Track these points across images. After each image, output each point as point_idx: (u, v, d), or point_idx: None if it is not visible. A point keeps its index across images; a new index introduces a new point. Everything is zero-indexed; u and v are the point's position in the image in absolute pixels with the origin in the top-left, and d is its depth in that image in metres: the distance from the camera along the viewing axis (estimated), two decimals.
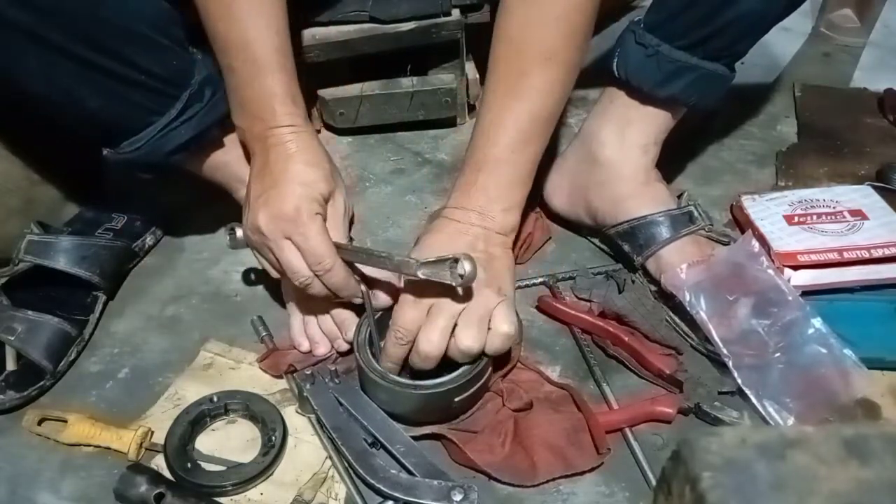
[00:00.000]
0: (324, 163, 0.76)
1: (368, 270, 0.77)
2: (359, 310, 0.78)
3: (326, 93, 1.09)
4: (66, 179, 0.91)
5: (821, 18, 1.42)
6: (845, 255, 0.85)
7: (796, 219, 0.89)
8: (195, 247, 0.96)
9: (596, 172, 0.89)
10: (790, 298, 0.78)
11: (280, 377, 0.79)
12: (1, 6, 0.63)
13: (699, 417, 0.76)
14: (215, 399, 0.75)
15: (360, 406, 0.74)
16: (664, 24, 0.81)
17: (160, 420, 0.75)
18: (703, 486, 0.36)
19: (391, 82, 1.09)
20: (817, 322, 0.77)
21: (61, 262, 0.81)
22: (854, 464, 0.36)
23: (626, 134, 0.86)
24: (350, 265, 0.74)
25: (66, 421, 0.74)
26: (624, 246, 0.87)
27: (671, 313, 0.83)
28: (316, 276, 0.72)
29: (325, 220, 0.74)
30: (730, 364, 0.77)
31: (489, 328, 0.71)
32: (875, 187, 0.95)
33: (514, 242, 0.90)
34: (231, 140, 0.82)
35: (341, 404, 0.74)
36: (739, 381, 0.76)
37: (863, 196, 0.93)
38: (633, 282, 0.86)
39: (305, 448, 0.74)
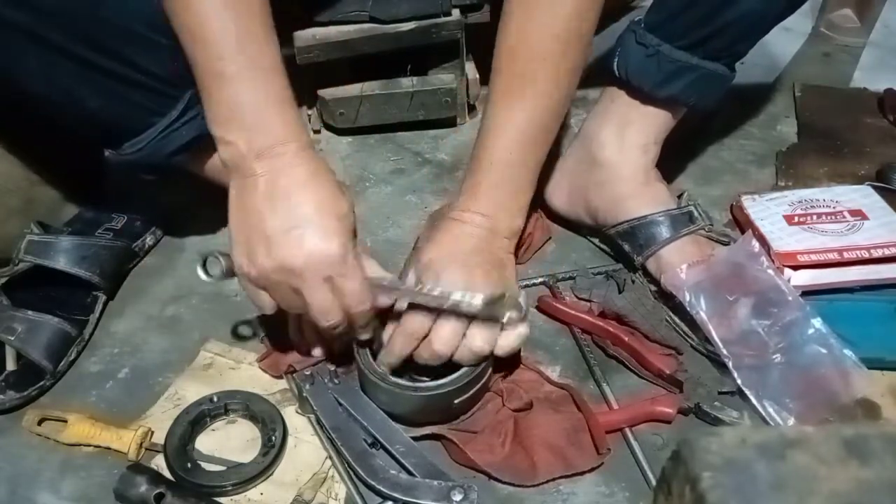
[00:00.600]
0: (342, 185, 0.71)
1: (373, 270, 0.77)
2: None
3: (326, 93, 1.09)
4: (66, 179, 0.91)
5: (821, 18, 1.42)
6: (845, 255, 0.85)
7: (796, 219, 0.89)
8: (195, 247, 0.96)
9: (596, 172, 0.89)
10: (790, 299, 0.78)
11: (280, 377, 0.79)
12: (0, 6, 0.63)
13: (699, 417, 0.76)
14: (215, 399, 0.75)
15: (359, 406, 0.74)
16: (664, 23, 0.81)
17: (160, 420, 0.75)
18: (703, 486, 0.36)
19: (391, 82, 1.10)
20: (817, 322, 0.76)
21: (61, 262, 0.81)
22: (854, 464, 0.36)
23: (627, 134, 0.86)
24: None
25: (66, 421, 0.74)
26: (624, 246, 0.87)
27: (671, 313, 0.83)
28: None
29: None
30: (730, 364, 0.77)
31: (503, 328, 0.72)
32: (875, 187, 0.95)
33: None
34: None
35: (341, 404, 0.74)
36: (739, 381, 0.76)
37: (863, 196, 0.93)
38: (633, 282, 0.86)
39: (305, 448, 0.74)
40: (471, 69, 1.12)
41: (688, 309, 0.80)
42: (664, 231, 0.85)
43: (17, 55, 0.67)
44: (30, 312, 0.79)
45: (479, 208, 0.75)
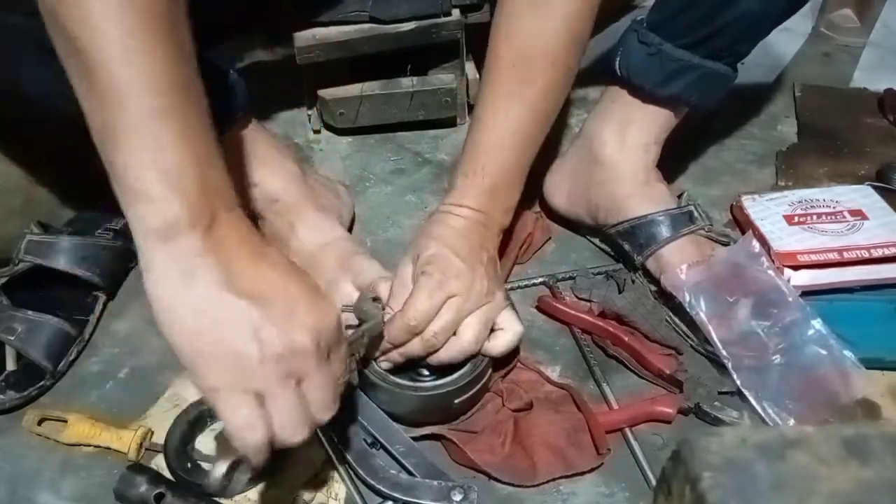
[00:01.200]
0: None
1: (375, 270, 0.78)
2: None
3: (326, 93, 1.09)
4: (67, 179, 0.91)
5: (821, 18, 1.42)
6: (845, 255, 0.85)
7: (796, 219, 0.89)
8: None
9: (597, 172, 0.89)
10: (790, 299, 0.78)
11: None
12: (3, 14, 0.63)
13: (699, 417, 0.76)
14: None
15: (360, 406, 0.74)
16: (666, 23, 0.81)
17: (160, 420, 0.75)
18: (703, 486, 0.36)
19: (391, 82, 1.09)
20: (817, 323, 0.76)
21: (61, 262, 0.81)
22: (854, 464, 0.36)
23: (628, 133, 0.86)
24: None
25: (66, 421, 0.74)
26: (624, 245, 0.87)
27: (671, 314, 0.83)
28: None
29: None
30: (729, 365, 0.77)
31: (501, 328, 0.73)
32: (875, 187, 0.95)
33: (509, 243, 0.91)
34: (230, 142, 0.82)
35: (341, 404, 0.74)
36: (739, 382, 0.76)
37: (863, 196, 0.93)
38: (633, 282, 0.86)
39: (305, 448, 0.74)
40: (471, 69, 1.12)
41: (687, 309, 0.80)
42: (664, 231, 0.85)
43: (15, 59, 0.67)
44: (30, 312, 0.79)
45: (474, 204, 0.75)
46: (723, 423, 0.74)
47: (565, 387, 0.77)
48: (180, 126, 0.49)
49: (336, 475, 0.72)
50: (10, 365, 0.77)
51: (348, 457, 0.71)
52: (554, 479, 0.71)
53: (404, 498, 0.68)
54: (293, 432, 0.52)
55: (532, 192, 1.01)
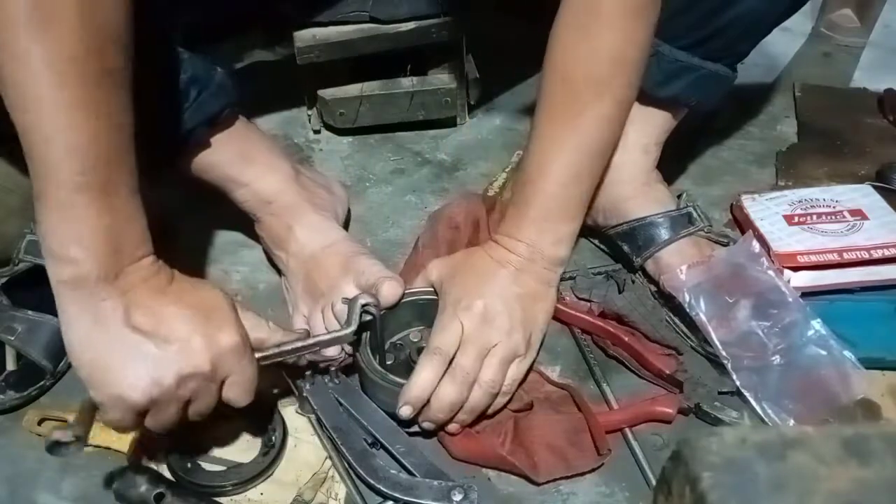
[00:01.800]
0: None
1: (377, 270, 0.78)
2: None
3: (326, 93, 1.09)
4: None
5: (821, 18, 1.42)
6: (845, 255, 0.84)
7: (796, 219, 0.89)
8: (192, 247, 0.95)
9: None
10: (790, 300, 0.78)
11: (280, 377, 0.79)
12: None
13: (699, 417, 0.76)
14: None
15: (360, 406, 0.74)
16: (665, 24, 0.81)
17: None
18: (704, 486, 0.36)
19: (391, 82, 1.10)
20: (817, 324, 0.76)
21: None
22: (854, 464, 0.37)
23: (627, 135, 0.86)
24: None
25: (66, 421, 0.74)
26: (623, 247, 0.87)
27: (671, 314, 0.83)
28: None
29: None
30: (729, 366, 0.76)
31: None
32: (875, 187, 0.95)
33: None
34: (218, 140, 0.82)
35: (341, 404, 0.74)
36: (738, 383, 0.76)
37: (863, 196, 0.93)
38: (633, 282, 0.86)
39: (305, 448, 0.74)
40: (471, 69, 1.12)
41: (687, 310, 0.79)
42: (663, 232, 0.85)
43: None
44: (30, 312, 0.79)
45: (522, 236, 0.76)
46: (723, 423, 0.74)
47: (565, 387, 0.77)
48: (97, 200, 0.55)
49: (336, 475, 0.72)
50: (10, 365, 0.77)
51: (348, 456, 0.71)
52: (554, 480, 0.71)
53: (404, 498, 0.67)
54: (162, 430, 0.63)
55: None
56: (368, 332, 0.75)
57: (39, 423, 0.74)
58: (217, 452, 0.73)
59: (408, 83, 1.09)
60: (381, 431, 0.72)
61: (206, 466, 0.71)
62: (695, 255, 0.83)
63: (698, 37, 0.80)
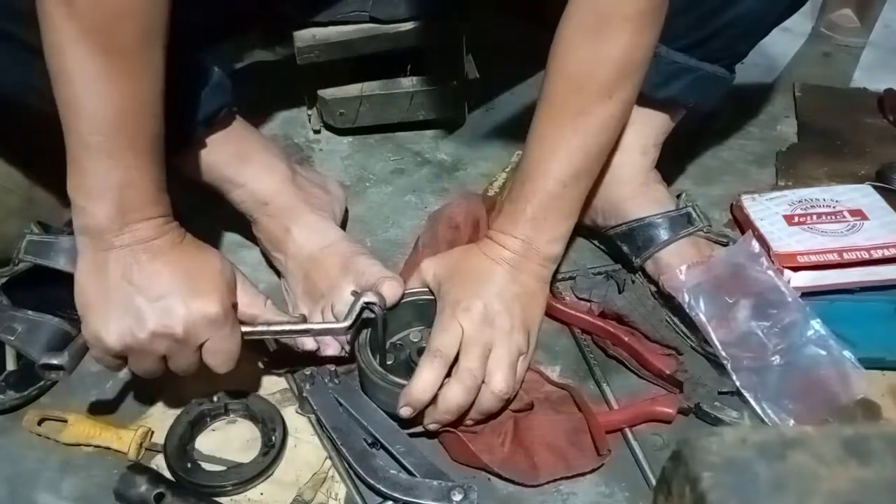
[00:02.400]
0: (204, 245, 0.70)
1: (377, 270, 0.77)
2: None
3: (326, 93, 1.09)
4: (66, 179, 0.91)
5: (821, 18, 1.42)
6: (845, 255, 0.84)
7: (796, 219, 0.89)
8: None
9: None
10: (790, 300, 0.78)
11: (280, 377, 0.79)
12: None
13: (699, 417, 0.76)
14: (215, 399, 0.75)
15: (360, 406, 0.74)
16: (664, 25, 0.81)
17: (160, 420, 0.75)
18: (704, 486, 0.36)
19: (391, 82, 1.09)
20: (817, 324, 0.76)
21: (61, 262, 0.81)
22: (854, 464, 0.36)
23: (626, 136, 0.86)
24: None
25: (66, 421, 0.74)
26: (623, 247, 0.87)
27: (671, 314, 0.83)
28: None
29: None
30: (728, 366, 0.76)
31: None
32: (875, 187, 0.95)
33: None
34: (215, 141, 0.82)
35: (341, 404, 0.74)
36: (738, 383, 0.76)
37: (863, 196, 0.93)
38: (632, 282, 0.86)
39: (305, 448, 0.74)
40: (471, 69, 1.12)
41: (687, 310, 0.79)
42: (662, 233, 0.85)
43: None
44: (30, 312, 0.79)
45: (518, 233, 0.76)
46: (723, 423, 0.74)
47: (565, 387, 0.77)
48: (108, 159, 0.62)
49: (336, 475, 0.72)
50: (10, 365, 0.77)
51: (348, 456, 0.71)
52: (554, 480, 0.71)
53: (404, 498, 0.67)
54: (145, 376, 0.69)
55: None
56: (369, 332, 0.75)
57: (39, 423, 0.74)
58: (217, 452, 0.73)
59: (408, 83, 1.09)
60: (381, 431, 0.72)
61: (206, 466, 0.72)
62: (694, 255, 0.83)
63: (697, 38, 0.80)
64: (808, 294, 0.82)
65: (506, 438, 0.73)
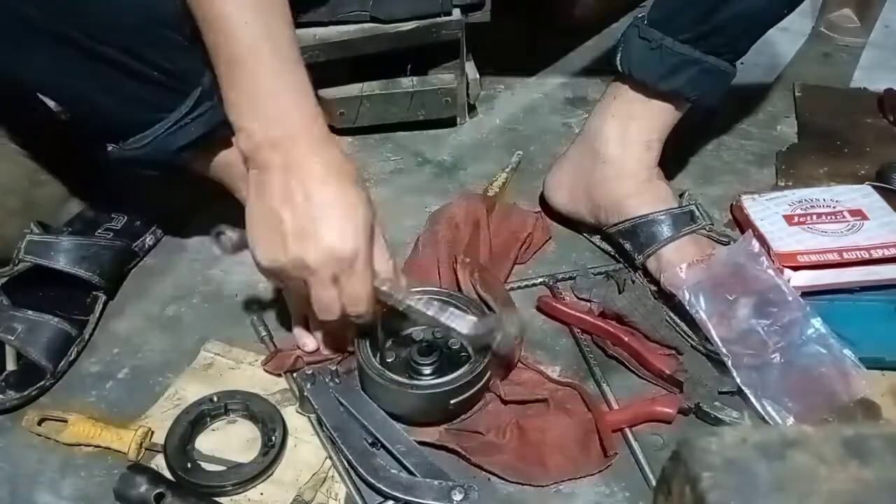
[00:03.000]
0: (360, 177, 0.71)
1: (383, 266, 0.77)
2: None
3: (326, 93, 1.09)
4: (67, 179, 0.91)
5: (821, 18, 1.42)
6: (845, 255, 0.84)
7: (796, 219, 0.89)
8: (195, 247, 0.96)
9: (599, 169, 0.89)
10: (790, 298, 0.78)
11: (280, 376, 0.79)
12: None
13: (699, 417, 0.76)
14: (215, 399, 0.75)
15: (360, 406, 0.74)
16: (667, 19, 0.82)
17: (160, 420, 0.75)
18: (703, 486, 0.36)
19: (391, 82, 1.10)
20: (817, 322, 0.76)
21: (61, 262, 0.81)
22: (854, 464, 0.36)
23: (630, 130, 0.86)
24: None
25: (66, 421, 0.74)
26: (625, 244, 0.87)
27: (671, 313, 0.83)
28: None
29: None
30: (729, 364, 0.76)
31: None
32: (875, 187, 0.95)
33: (514, 242, 0.91)
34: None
35: (341, 404, 0.74)
36: (739, 380, 0.76)
37: (863, 196, 0.93)
38: (633, 282, 0.86)
39: (305, 448, 0.74)
40: (471, 69, 1.12)
41: (687, 308, 0.80)
42: (665, 230, 0.85)
43: (27, 48, 0.67)
44: (30, 312, 0.79)
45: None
46: (723, 423, 0.74)
47: (572, 385, 0.77)
48: (270, 82, 0.66)
49: (336, 475, 0.72)
50: (10, 365, 0.77)
51: (349, 456, 0.71)
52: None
53: (405, 497, 0.68)
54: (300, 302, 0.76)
55: (532, 191, 1.02)
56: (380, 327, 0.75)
57: (39, 423, 0.74)
58: (217, 452, 0.73)
59: (408, 83, 1.09)
60: (382, 431, 0.72)
61: (206, 466, 0.72)
62: (696, 253, 0.83)
63: (700, 31, 0.80)
64: (808, 294, 0.82)
65: (509, 440, 0.72)
